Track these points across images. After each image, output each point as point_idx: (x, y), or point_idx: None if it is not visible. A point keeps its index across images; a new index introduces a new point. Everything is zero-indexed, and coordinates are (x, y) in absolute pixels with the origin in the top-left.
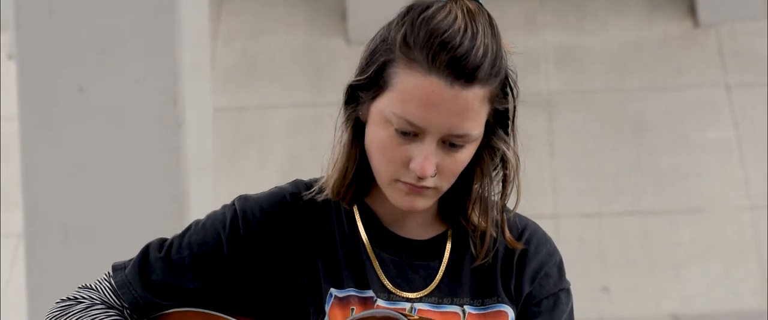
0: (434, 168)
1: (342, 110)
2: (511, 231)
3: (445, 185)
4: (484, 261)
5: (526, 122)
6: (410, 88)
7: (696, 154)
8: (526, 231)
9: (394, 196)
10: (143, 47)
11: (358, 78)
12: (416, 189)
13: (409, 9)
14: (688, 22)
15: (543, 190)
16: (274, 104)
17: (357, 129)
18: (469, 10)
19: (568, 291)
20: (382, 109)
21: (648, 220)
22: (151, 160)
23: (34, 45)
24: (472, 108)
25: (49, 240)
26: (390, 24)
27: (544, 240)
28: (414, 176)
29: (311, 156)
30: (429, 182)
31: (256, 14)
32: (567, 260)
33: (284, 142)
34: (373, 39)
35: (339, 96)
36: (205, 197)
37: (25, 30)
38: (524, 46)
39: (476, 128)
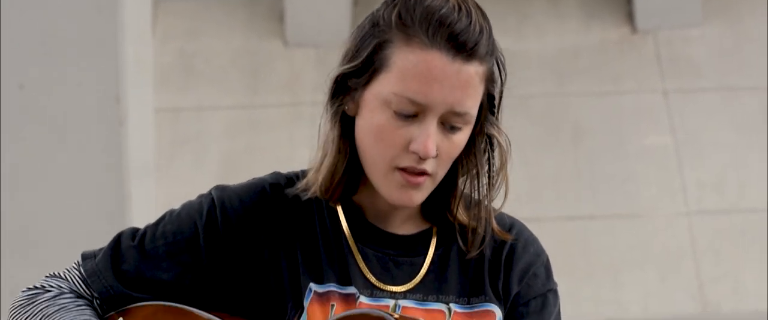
0: (436, 149)
1: (328, 105)
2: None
3: (441, 172)
4: (476, 253)
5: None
6: (411, 65)
7: (633, 159)
8: (512, 230)
9: (389, 190)
10: (85, 45)
11: (349, 65)
12: (414, 177)
13: None
14: (625, 28)
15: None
16: (211, 106)
17: (344, 124)
18: None
19: (555, 292)
20: (379, 92)
21: (586, 226)
22: (92, 160)
23: None
24: (472, 84)
25: None
26: (376, 11)
27: (532, 240)
28: (414, 159)
29: (248, 158)
30: (428, 166)
31: (193, 15)
32: None
33: (220, 144)
34: (358, 28)
35: (276, 98)
36: (146, 198)
37: None
38: None
39: (475, 107)
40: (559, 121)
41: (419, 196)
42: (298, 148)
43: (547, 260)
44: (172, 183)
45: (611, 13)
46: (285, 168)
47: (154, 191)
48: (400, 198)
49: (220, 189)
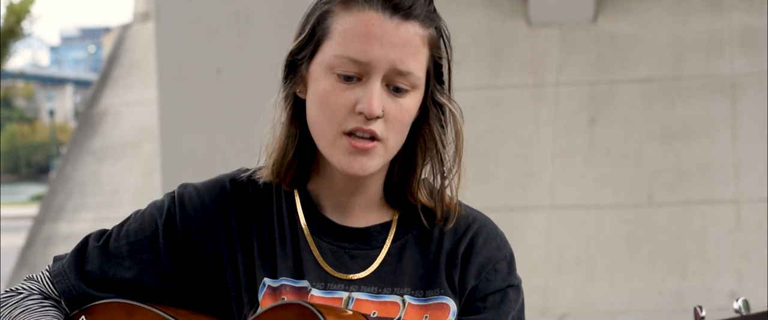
0: (381, 107)
1: (280, 88)
2: (458, 222)
3: (392, 138)
4: (446, 226)
5: (708, 105)
6: (349, 27)
7: None
8: (474, 223)
9: (339, 158)
10: (279, 29)
11: (296, 43)
12: (362, 142)
13: None
14: None
15: (724, 175)
16: (453, 87)
17: (296, 107)
18: None
19: (517, 288)
20: (323, 60)
21: None
22: None
23: (172, 29)
24: (413, 43)
25: None
26: None
27: (494, 235)
28: (361, 119)
29: (490, 139)
30: (377, 128)
31: None
32: (745, 245)
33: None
34: (306, 11)
35: (519, 78)
36: None
37: (164, 14)
38: (708, 27)
39: (418, 69)
40: None
41: (371, 163)
42: (542, 128)
43: (511, 255)
44: None
45: None
46: (528, 150)
47: None
48: (351, 166)
49: (183, 187)
